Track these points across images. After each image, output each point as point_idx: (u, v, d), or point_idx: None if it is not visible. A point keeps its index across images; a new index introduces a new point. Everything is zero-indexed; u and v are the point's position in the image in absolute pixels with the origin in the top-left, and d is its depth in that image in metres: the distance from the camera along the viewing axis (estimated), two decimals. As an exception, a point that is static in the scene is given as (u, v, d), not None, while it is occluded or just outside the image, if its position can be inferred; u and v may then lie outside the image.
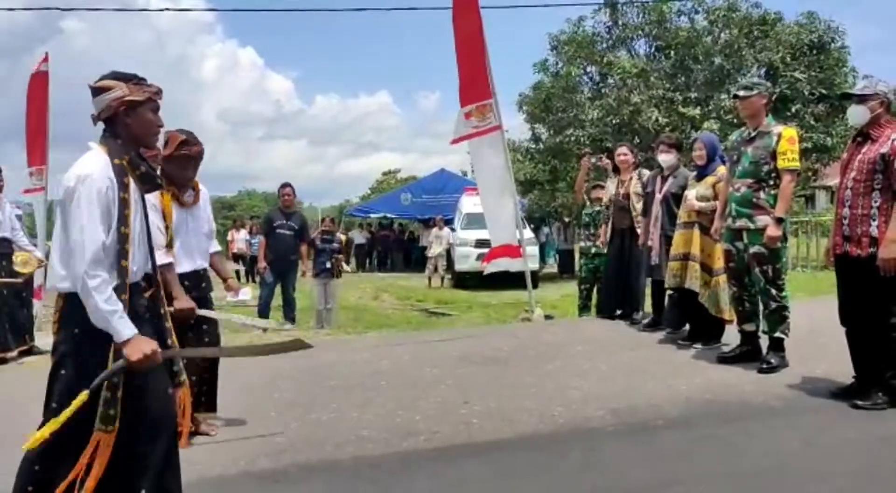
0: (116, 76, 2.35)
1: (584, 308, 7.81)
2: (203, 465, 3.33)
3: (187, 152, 3.61)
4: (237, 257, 19.74)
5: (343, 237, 24.05)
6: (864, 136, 3.90)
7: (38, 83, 9.24)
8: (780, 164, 4.54)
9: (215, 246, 4.01)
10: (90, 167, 2.24)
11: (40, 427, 2.22)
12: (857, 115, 3.92)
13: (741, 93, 4.73)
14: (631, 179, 6.68)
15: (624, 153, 6.89)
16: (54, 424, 2.18)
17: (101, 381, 2.19)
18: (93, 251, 2.16)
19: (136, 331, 2.21)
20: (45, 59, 9.46)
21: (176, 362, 2.68)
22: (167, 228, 3.45)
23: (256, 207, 37.61)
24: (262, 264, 8.30)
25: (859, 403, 3.82)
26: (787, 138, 4.56)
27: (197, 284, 3.73)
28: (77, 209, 2.19)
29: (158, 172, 3.53)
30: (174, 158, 3.59)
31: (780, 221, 4.51)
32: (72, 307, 2.25)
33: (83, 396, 2.17)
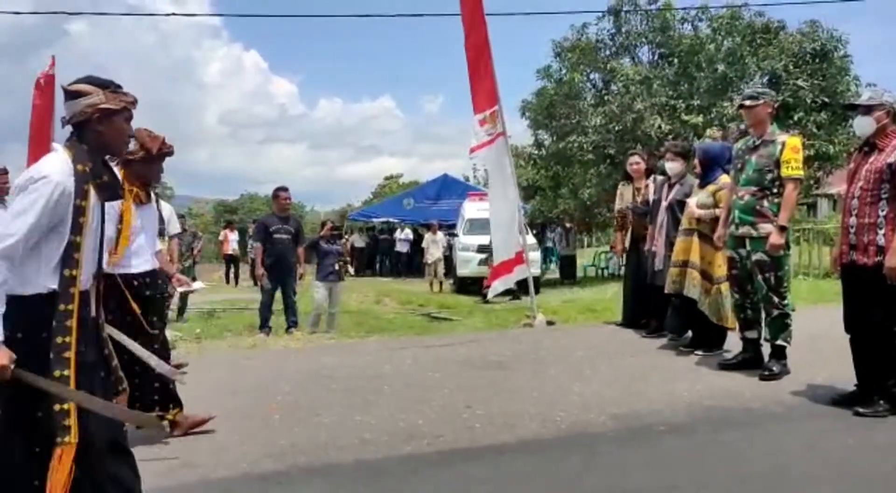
0: (93, 81, 2.29)
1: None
2: (205, 467, 3.34)
3: (168, 151, 3.67)
4: (231, 259, 19.60)
5: (346, 241, 24.18)
6: (870, 146, 3.92)
7: (47, 86, 9.31)
8: (784, 172, 4.56)
9: (158, 244, 4.00)
10: (50, 169, 2.18)
11: None
12: (863, 125, 3.94)
13: (747, 103, 4.73)
14: (647, 185, 6.67)
15: (636, 162, 6.85)
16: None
17: None
18: (9, 245, 2.08)
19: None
20: (52, 64, 9.53)
21: (116, 369, 2.51)
22: (120, 231, 3.45)
23: (258, 210, 37.45)
24: (259, 270, 8.15)
25: (861, 410, 3.83)
26: (790, 147, 4.58)
27: (153, 282, 3.72)
28: (20, 202, 2.13)
29: (132, 171, 3.53)
30: (156, 156, 3.62)
31: (783, 229, 4.53)
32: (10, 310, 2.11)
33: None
